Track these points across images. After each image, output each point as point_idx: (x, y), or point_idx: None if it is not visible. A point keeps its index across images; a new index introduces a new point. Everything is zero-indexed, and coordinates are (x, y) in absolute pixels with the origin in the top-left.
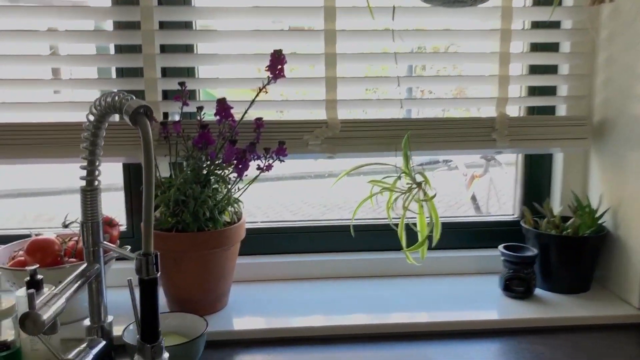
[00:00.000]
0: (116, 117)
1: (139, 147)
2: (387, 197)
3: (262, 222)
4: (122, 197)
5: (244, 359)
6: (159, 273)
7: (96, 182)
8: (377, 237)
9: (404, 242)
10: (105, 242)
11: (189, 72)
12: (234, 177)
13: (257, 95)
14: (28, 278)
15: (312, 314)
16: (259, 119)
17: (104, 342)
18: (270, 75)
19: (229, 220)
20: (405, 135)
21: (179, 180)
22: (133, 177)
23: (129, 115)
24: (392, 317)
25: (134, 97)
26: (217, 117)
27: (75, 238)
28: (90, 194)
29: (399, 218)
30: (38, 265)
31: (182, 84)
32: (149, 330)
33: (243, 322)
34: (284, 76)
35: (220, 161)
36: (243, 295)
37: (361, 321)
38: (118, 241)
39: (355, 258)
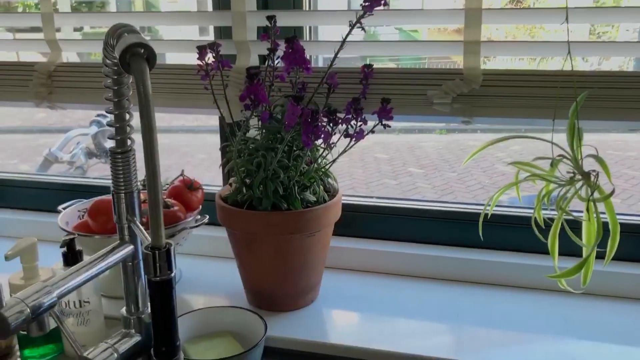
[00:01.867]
0: None
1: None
2: (538, 187)
3: (361, 197)
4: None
5: None
6: (174, 272)
7: (128, 142)
8: (515, 232)
9: (555, 259)
10: (137, 223)
11: (295, 3)
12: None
13: (350, 32)
14: (64, 249)
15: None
16: (367, 67)
17: (137, 339)
18: (366, 3)
19: (314, 199)
20: (579, 96)
21: (249, 144)
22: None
23: (118, 57)
24: (536, 347)
25: (137, 31)
26: (285, 63)
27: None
28: (121, 157)
29: (550, 219)
30: (75, 235)
31: (270, 17)
32: (162, 345)
33: (333, 329)
34: (384, 3)
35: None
36: (340, 287)
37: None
38: (200, 207)
39: (484, 258)
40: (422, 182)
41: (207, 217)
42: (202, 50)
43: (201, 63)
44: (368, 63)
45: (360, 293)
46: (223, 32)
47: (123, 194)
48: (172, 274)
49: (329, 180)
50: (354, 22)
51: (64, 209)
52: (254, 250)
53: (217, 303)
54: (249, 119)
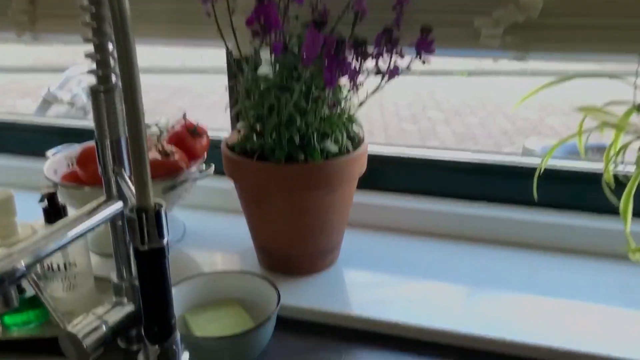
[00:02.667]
0: None
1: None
2: (608, 138)
3: (388, 146)
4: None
5: None
6: (166, 238)
7: (113, 78)
8: (575, 189)
9: (628, 224)
10: (124, 176)
11: None
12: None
13: None
14: (44, 203)
15: (471, 309)
16: None
17: (130, 309)
18: None
19: (336, 149)
20: None
21: (259, 83)
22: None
23: None
24: (593, 319)
25: None
26: None
27: (150, 145)
28: (104, 96)
29: (624, 176)
30: (57, 187)
31: None
32: (154, 325)
33: (355, 297)
34: None
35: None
36: (363, 248)
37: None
38: (205, 156)
39: (534, 219)
40: (442, 128)
41: (213, 166)
42: None
43: None
44: None
45: (386, 255)
46: None
47: (108, 142)
48: (164, 242)
49: (354, 127)
50: None
51: (53, 155)
52: (265, 208)
53: (224, 263)
54: (258, 50)
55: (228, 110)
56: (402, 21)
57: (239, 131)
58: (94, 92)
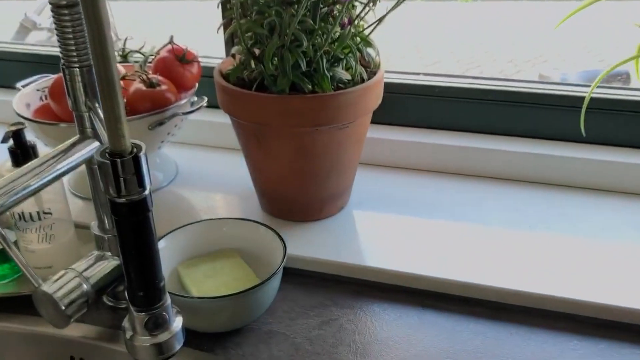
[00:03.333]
0: None
1: None
2: None
3: (405, 74)
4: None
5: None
6: (148, 188)
7: None
8: (625, 124)
9: None
10: (98, 111)
11: None
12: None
13: None
14: (9, 142)
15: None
16: None
17: (115, 263)
18: None
19: (349, 77)
20: None
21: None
22: None
23: None
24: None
25: None
26: None
27: (133, 75)
28: (69, 13)
29: None
30: (23, 124)
31: None
32: (138, 289)
33: (368, 246)
34: None
35: None
36: (376, 189)
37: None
38: (197, 86)
39: (583, 156)
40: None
41: (206, 99)
42: None
43: None
44: None
45: (402, 196)
46: None
47: (77, 69)
48: (146, 193)
49: (368, 50)
50: None
51: (24, 87)
52: (266, 147)
53: (222, 207)
54: None
55: (221, 31)
56: None
57: (234, 57)
58: (55, 8)
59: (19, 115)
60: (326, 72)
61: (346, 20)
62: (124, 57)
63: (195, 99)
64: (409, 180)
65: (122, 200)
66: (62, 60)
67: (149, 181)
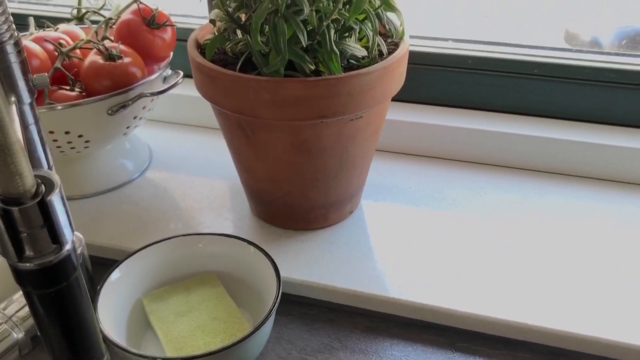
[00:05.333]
0: None
1: None
2: None
3: (429, 40)
4: None
5: None
6: (69, 244)
7: None
8: None
9: None
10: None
11: None
12: None
13: None
14: None
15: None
16: None
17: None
18: None
19: (364, 53)
20: None
21: None
22: None
23: None
24: None
25: None
26: None
27: (89, 43)
28: None
29: None
30: None
31: None
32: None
33: (385, 266)
34: None
35: None
36: (395, 185)
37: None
38: (171, 55)
39: (632, 146)
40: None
41: (182, 74)
42: None
43: None
44: None
45: (431, 194)
46: None
47: None
48: (65, 250)
49: (389, 15)
50: None
51: None
52: (257, 142)
53: (203, 209)
54: None
55: None
56: None
57: (214, 23)
58: None
59: None
60: (334, 47)
61: None
62: (80, 19)
63: (169, 72)
64: (436, 172)
65: (28, 266)
66: None
67: (71, 231)
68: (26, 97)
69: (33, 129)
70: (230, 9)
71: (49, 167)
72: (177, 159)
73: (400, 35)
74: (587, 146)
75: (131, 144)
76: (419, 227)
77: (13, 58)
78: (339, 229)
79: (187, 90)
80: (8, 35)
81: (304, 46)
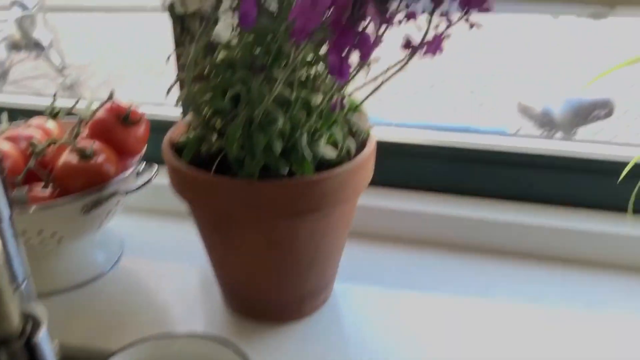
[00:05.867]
0: None
1: None
2: None
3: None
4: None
5: None
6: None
7: None
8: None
9: None
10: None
11: None
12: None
13: None
14: None
15: None
16: None
17: None
18: None
19: (335, 154)
20: None
21: (217, 55)
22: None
23: None
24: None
25: None
26: None
27: (62, 141)
28: None
29: None
30: None
31: None
32: None
33: (360, 352)
34: None
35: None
36: (367, 272)
37: None
38: (143, 150)
39: (624, 232)
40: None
41: (156, 167)
42: None
43: None
44: None
45: (401, 278)
46: None
47: None
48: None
49: (356, 118)
50: None
51: None
52: (231, 240)
53: (175, 302)
54: (214, 12)
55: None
56: None
57: (189, 126)
58: None
59: None
60: (306, 150)
61: (341, 99)
62: (54, 117)
63: (142, 166)
64: (409, 256)
65: None
66: None
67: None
68: (5, 215)
69: (11, 243)
70: (206, 117)
71: (25, 279)
72: (149, 249)
73: (367, 133)
74: (545, 229)
75: (103, 235)
76: (395, 311)
77: None
78: (314, 320)
79: (159, 179)
80: None
81: (279, 151)
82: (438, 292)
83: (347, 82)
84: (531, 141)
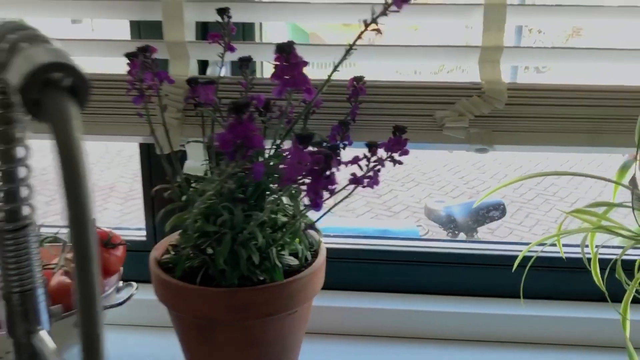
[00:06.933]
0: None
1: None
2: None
3: (341, 238)
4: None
5: None
6: None
7: (25, 210)
8: (560, 279)
9: (627, 332)
10: (42, 336)
11: None
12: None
13: (360, 35)
14: None
15: None
16: (358, 79)
17: None
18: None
19: (296, 262)
20: None
21: (205, 197)
22: (153, 157)
23: (16, 89)
24: None
25: (45, 38)
26: (277, 83)
27: (55, 267)
28: (13, 237)
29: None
30: None
31: (223, 11)
32: None
33: None
34: None
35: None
36: None
37: None
38: (121, 270)
39: (519, 313)
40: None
41: (135, 286)
42: (133, 58)
43: (132, 77)
44: (358, 76)
45: None
46: (143, 30)
47: (18, 295)
48: None
49: (311, 233)
50: (368, 20)
51: None
52: (212, 341)
53: None
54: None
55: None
56: (357, 114)
57: (173, 248)
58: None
59: None
60: (277, 262)
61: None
62: (40, 243)
63: (121, 284)
64: (357, 348)
65: None
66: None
67: None
68: (47, 327)
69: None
70: (194, 240)
71: None
72: None
73: (317, 244)
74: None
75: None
76: None
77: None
78: None
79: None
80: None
81: (257, 264)
82: None
83: (314, 208)
84: (438, 243)
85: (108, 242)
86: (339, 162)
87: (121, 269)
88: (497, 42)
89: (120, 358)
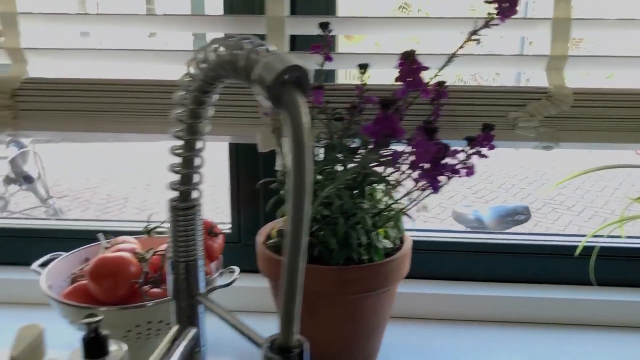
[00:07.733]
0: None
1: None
2: None
3: (423, 231)
4: (224, 182)
5: None
6: None
7: (194, 194)
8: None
9: None
10: (207, 298)
11: (328, 6)
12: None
13: (462, 45)
14: (85, 334)
15: None
16: (440, 84)
17: None
18: (497, 10)
19: (391, 245)
20: None
21: (327, 186)
22: (241, 157)
23: (265, 86)
24: None
25: (270, 47)
26: (401, 85)
27: (161, 250)
28: (183, 214)
29: None
30: (100, 317)
31: (324, 25)
32: None
33: None
34: (516, 12)
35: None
36: (403, 343)
37: None
38: (221, 257)
39: (590, 297)
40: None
41: (238, 270)
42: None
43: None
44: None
45: (431, 345)
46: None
47: (184, 265)
48: None
49: (401, 222)
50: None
51: (41, 266)
52: (316, 314)
53: None
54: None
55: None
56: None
57: (278, 233)
58: (173, 210)
59: (51, 298)
60: (380, 244)
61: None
62: (148, 233)
63: (222, 269)
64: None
65: None
66: (170, 254)
67: None
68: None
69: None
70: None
71: None
72: (230, 346)
73: (402, 231)
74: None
75: None
76: None
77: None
78: None
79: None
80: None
81: (365, 244)
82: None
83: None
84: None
85: (211, 231)
86: (455, 152)
87: (221, 256)
88: (563, 52)
89: (219, 347)
